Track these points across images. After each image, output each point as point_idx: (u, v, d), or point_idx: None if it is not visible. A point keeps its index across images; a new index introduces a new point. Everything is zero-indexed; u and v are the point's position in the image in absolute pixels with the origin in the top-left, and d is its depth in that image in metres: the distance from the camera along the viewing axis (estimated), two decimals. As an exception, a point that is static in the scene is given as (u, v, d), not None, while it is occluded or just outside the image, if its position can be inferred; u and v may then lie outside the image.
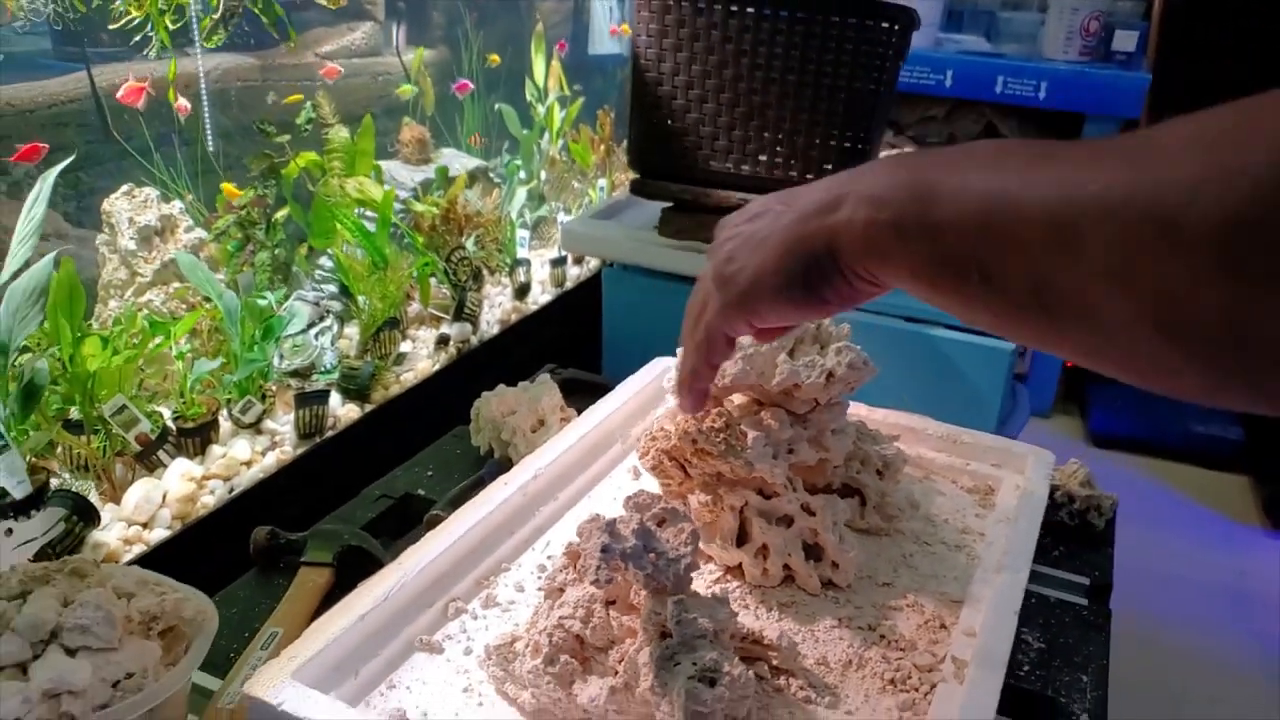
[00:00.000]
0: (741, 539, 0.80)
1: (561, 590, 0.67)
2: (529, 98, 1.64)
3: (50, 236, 1.30)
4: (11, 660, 0.60)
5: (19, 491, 0.87)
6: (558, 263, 1.59)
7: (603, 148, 1.71)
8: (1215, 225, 0.30)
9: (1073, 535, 1.00)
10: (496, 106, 1.60)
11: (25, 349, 0.89)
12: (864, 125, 1.33)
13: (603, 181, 1.75)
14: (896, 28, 1.26)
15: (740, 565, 0.79)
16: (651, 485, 0.89)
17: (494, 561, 0.79)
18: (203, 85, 1.24)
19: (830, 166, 1.34)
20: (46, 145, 0.98)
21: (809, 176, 1.35)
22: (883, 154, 2.56)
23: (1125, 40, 2.54)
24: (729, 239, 0.52)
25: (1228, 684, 2.00)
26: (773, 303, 0.49)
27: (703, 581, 0.80)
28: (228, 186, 1.09)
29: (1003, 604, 0.73)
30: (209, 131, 1.22)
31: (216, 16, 0.99)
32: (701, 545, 0.81)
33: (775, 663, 0.69)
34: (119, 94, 1.02)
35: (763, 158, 1.36)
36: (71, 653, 0.61)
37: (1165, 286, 0.32)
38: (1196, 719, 1.90)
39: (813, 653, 0.71)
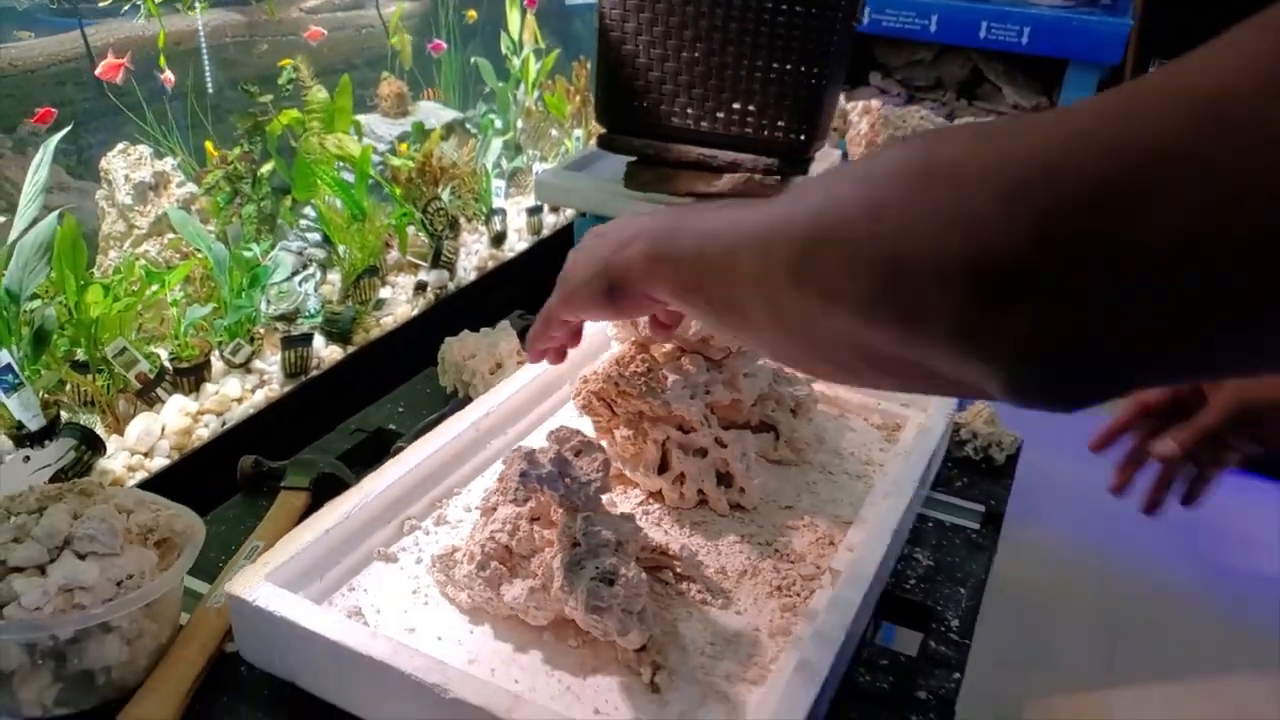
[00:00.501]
0: (663, 468, 0.91)
1: (494, 509, 0.78)
2: (504, 50, 1.72)
3: (54, 190, 1.41)
4: (32, 563, 0.72)
5: (34, 424, 0.99)
6: (534, 211, 1.69)
7: (578, 98, 1.79)
8: (788, 249, 0.41)
9: (976, 468, 1.11)
10: (473, 60, 1.68)
11: (35, 297, 1.00)
12: (818, 83, 1.40)
13: (579, 131, 1.83)
14: (847, -10, 1.33)
15: (661, 490, 0.91)
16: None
17: (447, 486, 0.91)
18: (202, 43, 1.32)
19: (783, 123, 1.42)
20: (55, 110, 1.07)
21: (765, 133, 1.43)
22: (872, 97, 2.61)
23: (1108, -14, 2.57)
24: (579, 249, 0.63)
25: (1163, 607, 2.13)
26: (585, 308, 0.63)
27: (629, 504, 0.91)
28: (210, 145, 1.19)
29: (883, 523, 0.84)
30: (209, 82, 1.31)
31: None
32: (627, 473, 0.92)
33: (679, 570, 0.80)
34: (98, 70, 1.10)
35: (720, 114, 1.44)
36: (82, 557, 0.73)
37: (773, 295, 0.43)
38: (1131, 638, 2.03)
39: (714, 563, 0.83)
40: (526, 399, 1.03)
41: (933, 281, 0.34)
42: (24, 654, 0.70)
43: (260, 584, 0.73)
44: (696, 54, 1.41)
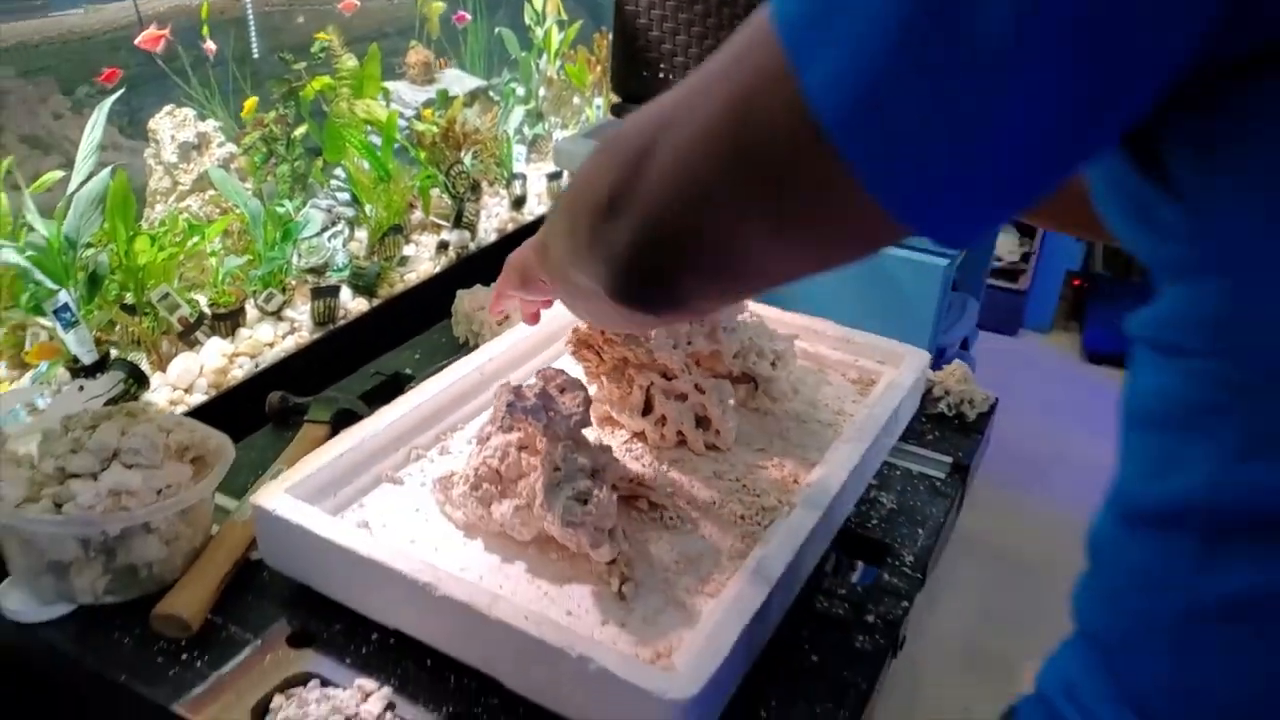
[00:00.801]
0: (647, 411, 1.00)
1: (487, 438, 0.88)
2: (528, 21, 1.80)
3: (107, 148, 1.52)
4: (86, 470, 0.83)
5: (87, 358, 1.10)
6: (554, 176, 1.77)
7: (599, 68, 1.87)
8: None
9: (949, 424, 1.19)
10: (497, 30, 1.76)
11: (89, 245, 1.10)
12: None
13: (599, 100, 1.91)
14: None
15: (644, 431, 1.00)
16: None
17: (451, 422, 1.01)
18: (249, 13, 1.42)
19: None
20: (121, 70, 1.18)
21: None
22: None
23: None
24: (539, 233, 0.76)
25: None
26: (507, 287, 0.82)
27: (615, 442, 1.00)
28: (250, 103, 1.28)
29: (840, 464, 0.93)
30: (254, 47, 1.40)
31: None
32: (614, 415, 1.02)
33: (652, 499, 0.90)
34: (138, 39, 1.21)
35: (727, 87, 1.51)
36: (128, 468, 0.84)
37: (561, 270, 0.59)
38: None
39: (686, 495, 0.92)
40: (530, 347, 1.12)
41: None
42: (79, 548, 0.81)
43: (281, 497, 0.83)
44: (707, 28, 1.48)
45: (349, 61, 1.36)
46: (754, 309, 1.11)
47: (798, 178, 0.38)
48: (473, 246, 1.60)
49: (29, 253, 1.03)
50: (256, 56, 1.45)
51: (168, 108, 1.28)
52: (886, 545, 0.99)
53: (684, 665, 0.70)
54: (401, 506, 0.90)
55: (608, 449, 0.86)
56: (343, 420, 1.07)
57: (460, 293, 1.21)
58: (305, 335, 1.33)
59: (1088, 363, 3.23)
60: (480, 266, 1.63)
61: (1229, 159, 0.35)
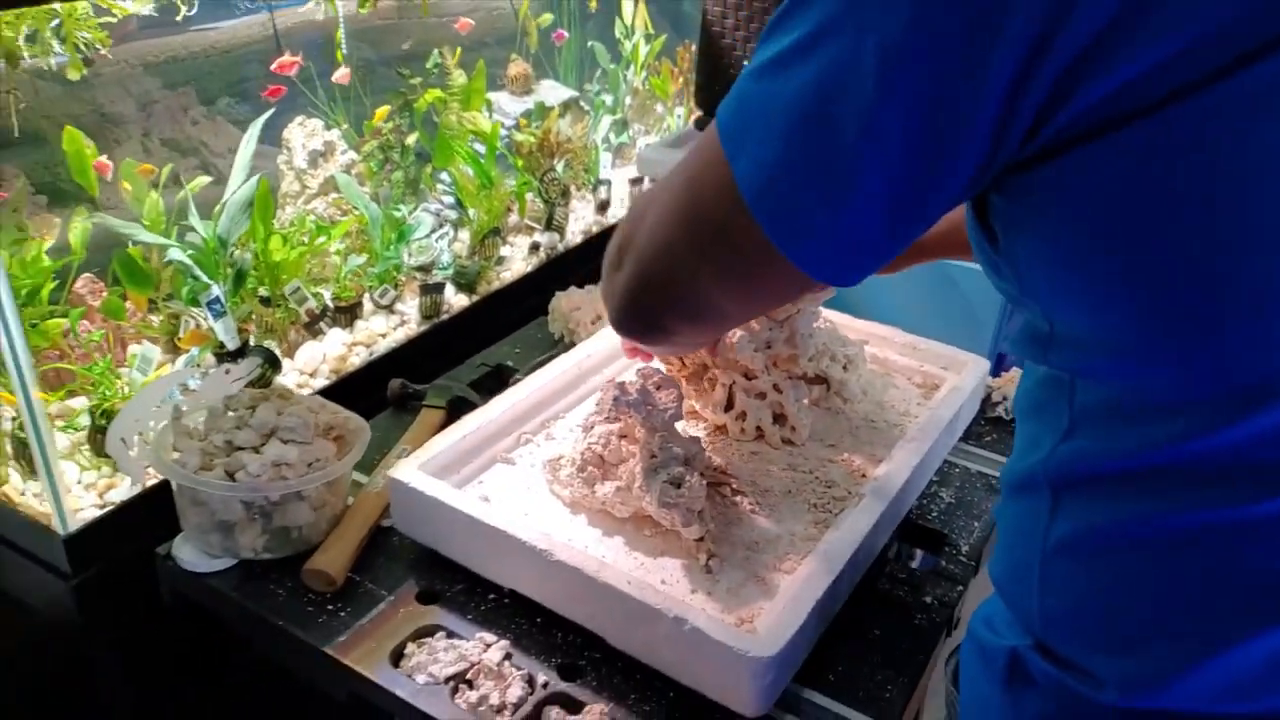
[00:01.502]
0: (729, 407, 1.11)
1: (592, 427, 1.00)
2: (618, 35, 1.91)
3: (236, 150, 1.67)
4: (249, 444, 0.97)
5: (231, 345, 1.25)
6: (636, 181, 1.89)
7: (680, 79, 1.98)
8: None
9: (1006, 426, 1.28)
10: (590, 43, 1.88)
11: (236, 245, 1.25)
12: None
13: (679, 109, 2.02)
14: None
15: (725, 425, 1.11)
16: (673, 366, 1.21)
17: (554, 410, 1.13)
18: (358, 43, 1.55)
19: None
20: (284, 89, 1.33)
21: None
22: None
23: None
24: None
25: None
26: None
27: (699, 433, 1.12)
28: (381, 112, 1.42)
29: (905, 460, 1.03)
30: (372, 59, 1.52)
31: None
32: (699, 409, 1.13)
33: (734, 486, 1.01)
34: (274, 65, 1.35)
35: (805, 104, 1.61)
36: (285, 443, 0.97)
37: None
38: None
39: (764, 484, 1.03)
40: (620, 345, 1.24)
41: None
42: (243, 510, 0.95)
43: (415, 472, 0.96)
44: (787, 49, 1.58)
45: (459, 78, 1.48)
46: (827, 315, 1.21)
47: (732, 236, 0.55)
48: (560, 247, 1.72)
49: (189, 251, 1.17)
50: (374, 64, 1.59)
51: (299, 119, 1.42)
52: (944, 535, 1.09)
53: (765, 630, 0.82)
54: (514, 484, 1.02)
55: (697, 440, 0.97)
56: (457, 406, 1.20)
57: (558, 294, 1.34)
58: (413, 327, 1.47)
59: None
60: (568, 266, 1.76)
61: (1018, 220, 0.51)
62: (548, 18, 1.75)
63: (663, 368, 1.13)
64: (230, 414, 1.01)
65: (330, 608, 0.94)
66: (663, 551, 0.94)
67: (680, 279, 0.60)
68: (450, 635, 0.91)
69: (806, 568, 0.89)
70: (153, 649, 1.19)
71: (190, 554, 0.99)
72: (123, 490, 1.15)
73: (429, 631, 0.92)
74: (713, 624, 0.80)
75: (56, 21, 1.01)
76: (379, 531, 1.03)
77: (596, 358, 1.20)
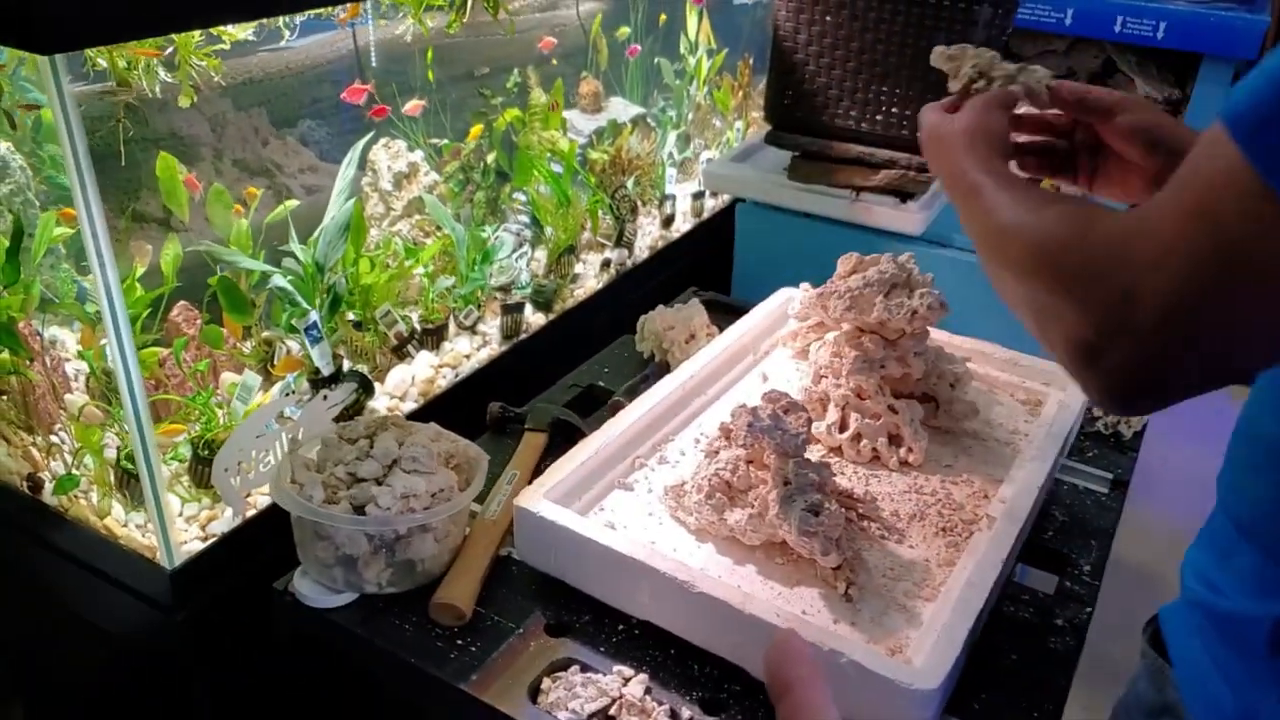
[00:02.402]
0: (843, 429, 1.10)
1: (717, 452, 0.98)
2: (682, 50, 1.90)
3: (305, 170, 1.66)
4: (372, 475, 0.95)
5: (327, 370, 1.23)
6: (698, 196, 1.88)
7: (741, 93, 1.97)
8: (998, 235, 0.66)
9: (1106, 441, 1.27)
10: (655, 60, 1.87)
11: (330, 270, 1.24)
12: (968, 91, 1.55)
13: (739, 123, 2.01)
14: (999, 11, 1.47)
15: (840, 447, 1.09)
16: (776, 386, 1.19)
17: (664, 433, 1.12)
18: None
19: (936, 126, 1.57)
20: (388, 108, 1.31)
21: (919, 134, 1.58)
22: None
23: (1249, -19, 2.60)
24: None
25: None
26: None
27: (814, 457, 1.10)
28: (476, 129, 1.41)
29: (1029, 481, 1.01)
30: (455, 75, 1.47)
31: (455, 12, 1.29)
32: (814, 432, 1.12)
33: (861, 511, 0.99)
34: (343, 94, 1.33)
35: (879, 116, 1.60)
36: (408, 474, 0.96)
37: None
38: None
39: (888, 508, 1.02)
40: (719, 366, 1.22)
41: (1062, 342, 0.59)
42: (368, 544, 0.94)
43: (541, 501, 0.95)
44: (861, 62, 1.57)
45: (540, 97, 1.48)
46: (931, 333, 1.20)
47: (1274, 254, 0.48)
48: (629, 263, 1.71)
49: (289, 278, 1.16)
50: (445, 87, 1.57)
51: (383, 140, 1.41)
52: (1064, 554, 1.07)
53: (921, 661, 0.80)
54: (636, 510, 1.01)
55: (827, 465, 0.96)
56: (557, 428, 1.19)
57: (649, 315, 1.32)
58: (495, 347, 1.46)
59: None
60: (636, 281, 1.74)
61: None
62: (625, 30, 1.74)
63: (780, 385, 1.11)
64: (347, 444, 1.00)
65: (460, 642, 0.93)
66: (798, 580, 0.92)
67: (1210, 338, 0.51)
68: (585, 669, 0.90)
69: (952, 595, 0.88)
70: (261, 686, 1.18)
71: (311, 589, 0.97)
72: (224, 522, 1.14)
73: (562, 665, 0.90)
74: (871, 657, 0.79)
75: (170, 49, 1.00)
76: (498, 561, 1.01)
77: (699, 378, 1.18)
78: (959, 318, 1.39)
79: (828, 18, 1.56)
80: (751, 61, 2.03)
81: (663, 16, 1.81)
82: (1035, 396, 1.23)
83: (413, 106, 1.45)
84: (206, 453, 1.13)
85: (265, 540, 1.13)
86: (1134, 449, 1.26)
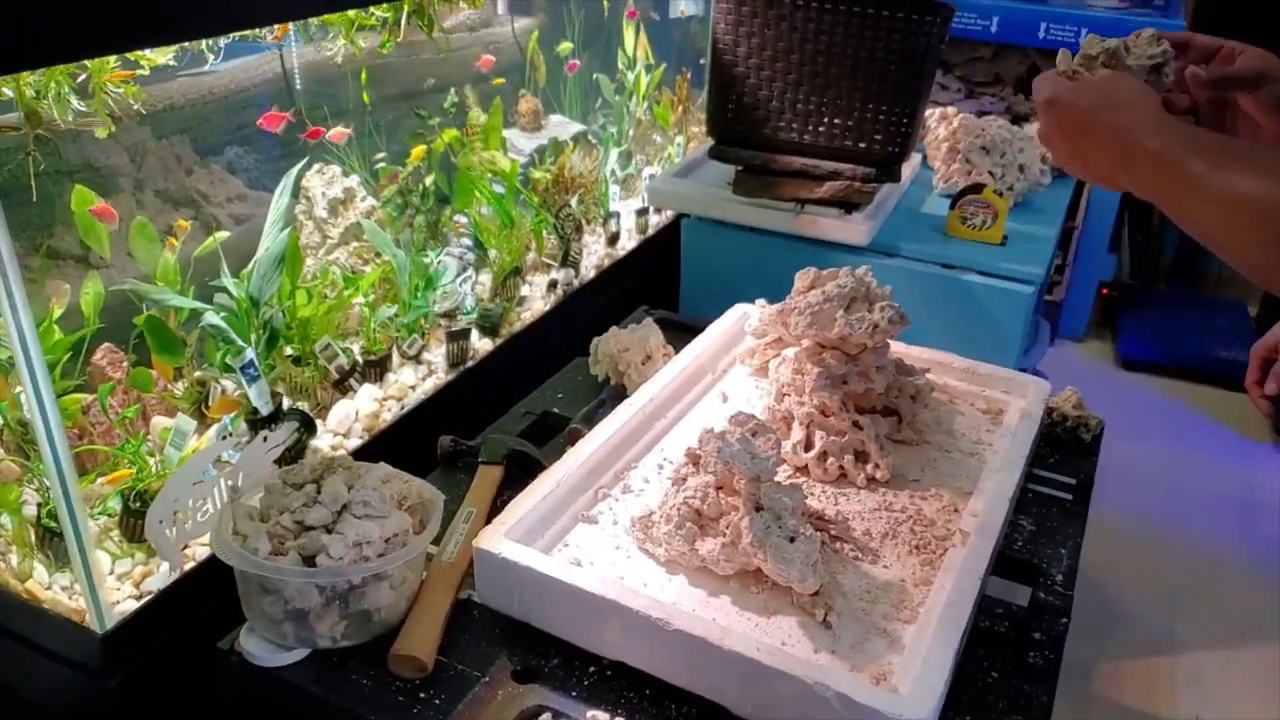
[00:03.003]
0: (808, 448, 1.07)
1: (684, 479, 0.95)
2: (620, 66, 1.87)
3: (234, 199, 1.59)
4: (321, 523, 0.90)
5: (265, 410, 1.17)
6: (642, 212, 1.85)
7: (680, 108, 1.95)
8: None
9: (1065, 446, 1.26)
10: (594, 76, 1.84)
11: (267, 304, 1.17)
12: (910, 100, 1.55)
13: (679, 138, 1.99)
14: (937, 19, 1.47)
15: (807, 466, 1.07)
16: (736, 409, 1.17)
17: (626, 461, 1.08)
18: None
19: (880, 136, 1.57)
20: (321, 129, 1.25)
21: (861, 144, 1.58)
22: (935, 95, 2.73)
23: (1164, -14, 2.68)
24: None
25: (1226, 577, 2.26)
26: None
27: (781, 478, 1.07)
28: (418, 151, 1.35)
29: (999, 493, 1.00)
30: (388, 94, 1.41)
31: (387, 31, 1.24)
32: (780, 452, 1.08)
33: (833, 533, 0.97)
34: (260, 120, 1.27)
35: (822, 128, 1.59)
36: (358, 519, 0.90)
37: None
38: (1195, 605, 2.17)
39: (860, 527, 0.99)
40: (679, 387, 1.19)
41: None
42: (320, 596, 0.88)
43: (502, 541, 0.90)
44: (802, 75, 1.56)
45: (479, 116, 1.43)
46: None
47: None
48: (575, 283, 1.67)
49: (223, 314, 1.09)
50: (378, 108, 1.52)
51: (316, 166, 1.35)
52: (1036, 565, 1.06)
53: (908, 688, 0.78)
54: (602, 544, 0.97)
55: (798, 487, 0.93)
56: (513, 460, 1.14)
57: (603, 337, 1.29)
58: (441, 377, 1.40)
59: (1122, 369, 3.31)
60: (583, 301, 1.70)
61: None
62: (566, 45, 1.71)
63: (741, 407, 1.08)
64: (292, 489, 0.94)
65: (423, 695, 0.87)
66: (775, 610, 0.89)
67: None
68: (557, 715, 0.85)
69: (933, 616, 0.85)
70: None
71: (259, 646, 0.91)
72: (160, 578, 1.07)
73: (533, 713, 0.86)
74: (858, 688, 0.76)
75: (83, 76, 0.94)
76: (459, 606, 0.96)
77: (659, 401, 1.15)
78: (910, 328, 1.38)
79: (767, 30, 1.55)
80: (690, 76, 2.01)
81: (604, 32, 1.78)
82: (996, 405, 1.22)
83: (337, 134, 1.39)
84: (138, 504, 1.06)
85: (206, 595, 1.06)
86: (1094, 451, 1.26)
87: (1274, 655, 2.07)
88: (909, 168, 1.81)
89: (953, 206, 1.66)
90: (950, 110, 1.95)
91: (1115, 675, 2.03)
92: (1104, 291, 3.56)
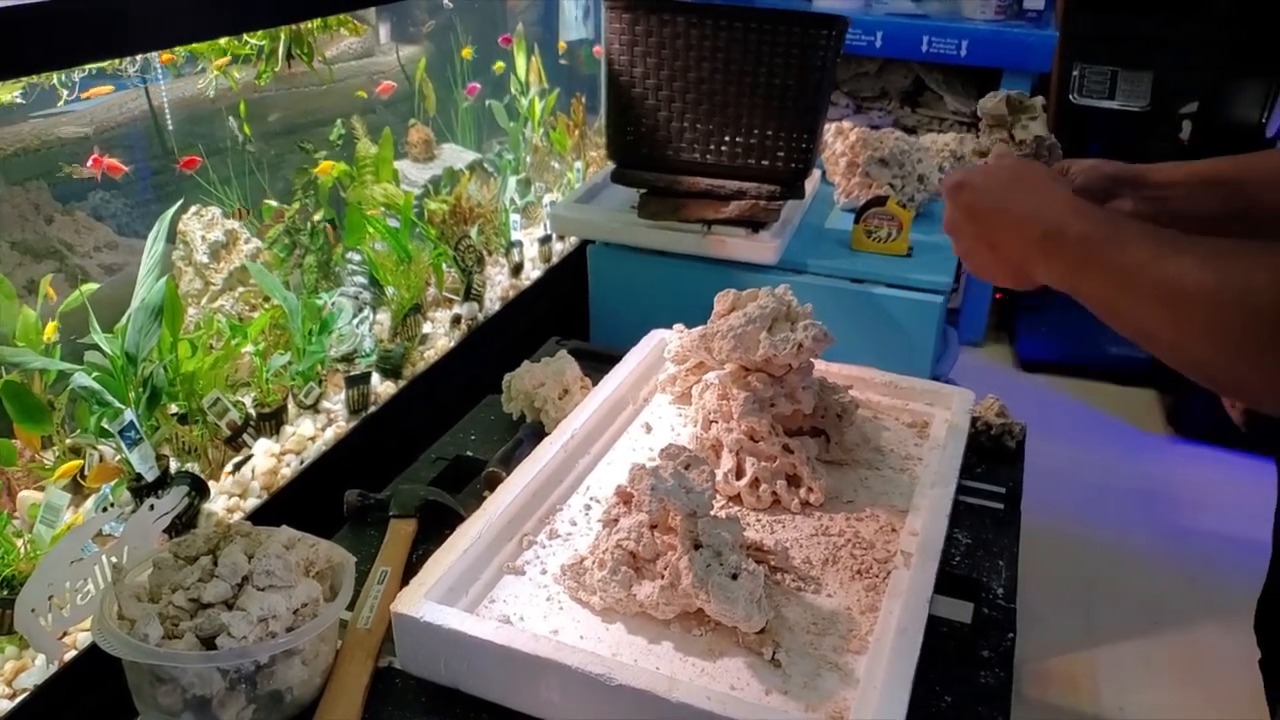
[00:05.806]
0: (740, 475, 1.03)
1: (616, 520, 0.89)
2: (513, 91, 1.82)
3: (103, 248, 1.47)
4: (220, 598, 0.81)
5: (150, 475, 1.07)
6: (544, 240, 1.79)
7: (577, 133, 1.90)
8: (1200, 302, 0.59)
9: (991, 455, 1.25)
10: (487, 102, 1.78)
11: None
12: (809, 115, 1.54)
13: (578, 164, 1.94)
14: (832, 33, 1.47)
15: (739, 495, 1.03)
16: (661, 440, 1.12)
17: (551, 504, 1.02)
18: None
19: (782, 153, 1.55)
20: (198, 158, 1.15)
21: (764, 162, 1.56)
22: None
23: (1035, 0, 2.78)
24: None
25: (1133, 568, 2.32)
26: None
27: (716, 510, 1.03)
28: (286, 207, 1.27)
29: (937, 510, 0.97)
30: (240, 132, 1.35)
31: (264, 62, 1.16)
32: (708, 482, 1.04)
33: (773, 563, 0.93)
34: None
35: (724, 147, 1.56)
36: (261, 590, 0.82)
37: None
38: (1107, 598, 2.22)
39: (799, 555, 0.96)
40: (599, 421, 1.14)
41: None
42: (223, 680, 0.79)
43: (422, 603, 0.83)
44: (700, 93, 1.53)
45: (369, 148, 1.36)
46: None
47: None
48: (480, 317, 1.61)
49: (95, 374, 0.99)
50: (257, 142, 1.43)
51: (194, 208, 1.25)
52: (975, 580, 1.04)
53: (868, 726, 0.74)
54: (532, 596, 0.90)
55: (736, 520, 0.88)
56: (427, 511, 1.07)
57: (515, 373, 1.22)
58: (342, 425, 1.32)
59: (1021, 370, 3.39)
60: (490, 335, 1.64)
61: None
62: (469, 51, 1.64)
63: (665, 439, 1.03)
64: (185, 563, 0.85)
65: (345, 779, 0.79)
66: (720, 652, 0.84)
67: None
68: (495, 787, 0.78)
69: (884, 645, 0.82)
70: None
71: (156, 743, 0.81)
72: (36, 672, 0.96)
73: (470, 787, 0.79)
74: (817, 731, 0.71)
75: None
76: (379, 675, 0.88)
77: (579, 436, 1.09)
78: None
79: (663, 50, 1.52)
80: (585, 100, 1.97)
81: (466, 51, 1.72)
82: (920, 418, 1.20)
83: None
84: (6, 592, 0.95)
85: (91, 686, 0.95)
86: (1019, 459, 1.26)
87: (1186, 642, 2.13)
88: (810, 183, 1.80)
89: (857, 220, 1.66)
90: (846, 125, 1.96)
91: (1038, 675, 2.05)
92: (998, 295, 3.66)
